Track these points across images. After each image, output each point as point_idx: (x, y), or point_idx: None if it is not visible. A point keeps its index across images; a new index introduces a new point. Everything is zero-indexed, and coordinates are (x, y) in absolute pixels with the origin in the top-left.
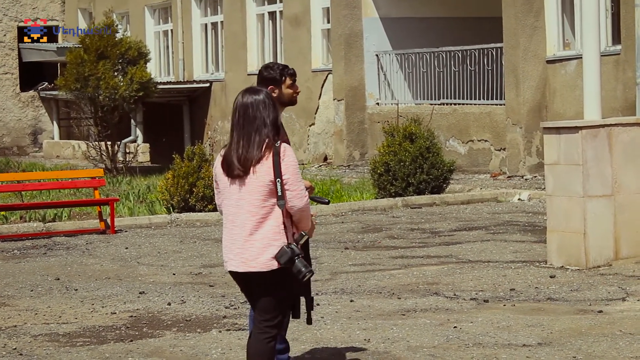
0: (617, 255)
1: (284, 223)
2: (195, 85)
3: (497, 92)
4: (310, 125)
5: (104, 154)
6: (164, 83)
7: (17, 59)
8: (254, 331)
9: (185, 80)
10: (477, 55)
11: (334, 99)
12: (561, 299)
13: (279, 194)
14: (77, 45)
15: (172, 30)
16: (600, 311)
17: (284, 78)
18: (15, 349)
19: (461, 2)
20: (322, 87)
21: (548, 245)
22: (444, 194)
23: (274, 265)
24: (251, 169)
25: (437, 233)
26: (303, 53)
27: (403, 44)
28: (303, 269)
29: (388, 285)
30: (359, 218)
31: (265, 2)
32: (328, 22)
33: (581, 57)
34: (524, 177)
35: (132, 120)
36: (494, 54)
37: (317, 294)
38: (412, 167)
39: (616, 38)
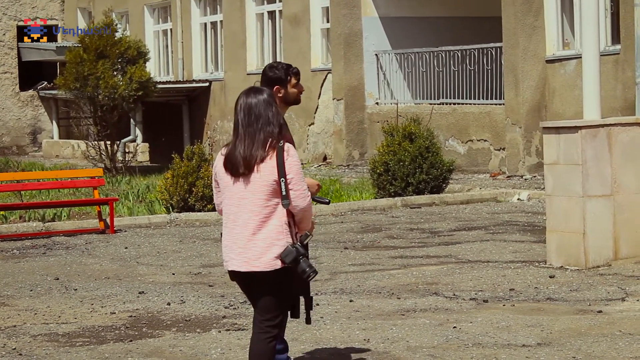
0: (617, 255)
1: (286, 223)
2: (194, 84)
3: (496, 92)
4: (309, 125)
5: (103, 153)
6: (163, 82)
7: (17, 59)
8: (254, 331)
9: (184, 79)
10: (476, 54)
11: (333, 99)
12: (561, 299)
13: (284, 193)
14: (76, 45)
15: (171, 29)
16: (600, 311)
17: (289, 78)
18: (14, 348)
19: (461, 1)
20: (321, 87)
21: (547, 245)
22: (444, 194)
23: (277, 264)
24: (255, 168)
25: (436, 233)
26: (302, 52)
27: (402, 44)
28: (307, 269)
29: (387, 285)
30: (359, 218)
31: (265, 2)
32: (327, 21)
33: (580, 57)
34: (524, 177)
35: (132, 120)
36: (494, 53)
37: (316, 294)
38: (411, 166)
39: (615, 38)
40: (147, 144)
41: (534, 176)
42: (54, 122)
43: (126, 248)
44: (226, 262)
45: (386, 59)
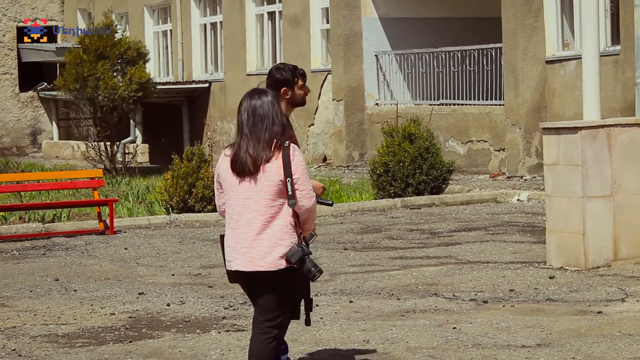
0: (617, 256)
1: (291, 223)
2: (194, 85)
3: (496, 93)
4: (309, 126)
5: (103, 154)
6: (163, 83)
7: (16, 59)
8: (254, 331)
9: (184, 80)
10: (476, 55)
11: (333, 100)
12: (560, 300)
13: (290, 193)
14: (76, 46)
15: (171, 30)
16: (600, 312)
17: (296, 79)
18: (14, 349)
19: (460, 2)
20: (321, 88)
21: (547, 246)
22: (443, 195)
23: (282, 264)
24: (261, 168)
25: (436, 234)
26: (302, 53)
27: (402, 44)
28: (313, 269)
29: (387, 286)
30: (358, 219)
31: (265, 2)
32: (327, 22)
33: (580, 58)
34: (523, 178)
35: (132, 121)
36: (493, 54)
37: (316, 294)
38: (411, 167)
39: (615, 38)
40: (147, 145)
41: (534, 177)
42: (53, 123)
43: (126, 249)
44: (229, 262)
45: (386, 59)
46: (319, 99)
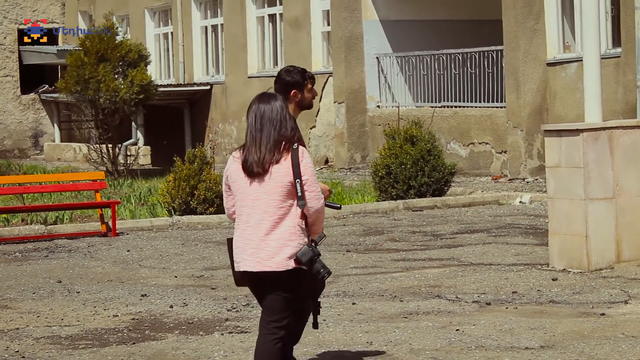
0: (619, 258)
1: (299, 224)
2: (195, 87)
3: (497, 95)
4: (311, 128)
5: (105, 156)
6: (164, 86)
7: (18, 62)
8: (261, 332)
9: (185, 82)
10: (477, 57)
11: (334, 102)
12: (563, 302)
13: (299, 194)
14: (77, 48)
15: (172, 32)
16: (603, 314)
17: (305, 82)
18: (17, 351)
19: (461, 4)
20: (322, 90)
21: (550, 248)
22: (445, 197)
23: (290, 265)
24: (270, 169)
25: (438, 236)
26: (303, 56)
27: (403, 47)
28: (322, 270)
29: (390, 288)
30: (361, 221)
31: (266, 5)
32: (328, 24)
33: (581, 60)
34: (525, 180)
35: (133, 123)
36: (495, 56)
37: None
38: (413, 169)
39: (616, 41)
40: (148, 147)
41: (536, 179)
42: (55, 125)
43: (128, 251)
44: (237, 263)
45: (387, 62)
46: (320, 101)
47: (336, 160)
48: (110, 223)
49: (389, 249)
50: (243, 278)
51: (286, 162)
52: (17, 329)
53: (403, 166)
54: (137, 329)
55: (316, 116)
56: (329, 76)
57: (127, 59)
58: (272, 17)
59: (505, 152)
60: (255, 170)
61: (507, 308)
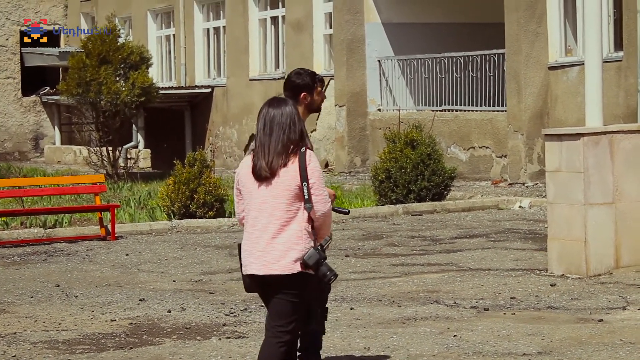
0: (618, 263)
1: (306, 228)
2: (197, 90)
3: (498, 99)
4: (311, 131)
5: (105, 159)
6: (165, 88)
7: (19, 64)
8: (266, 335)
9: (187, 85)
10: (479, 61)
11: (335, 105)
12: (562, 308)
13: (306, 197)
14: (79, 50)
15: (174, 35)
16: (601, 320)
17: (315, 84)
18: (14, 356)
19: (463, 7)
20: None
21: (549, 253)
22: (445, 201)
23: (295, 268)
24: (278, 172)
25: (437, 240)
26: (305, 58)
27: (405, 50)
28: (328, 272)
29: (388, 293)
30: (360, 225)
31: (268, 7)
32: (330, 27)
33: (583, 64)
34: (525, 185)
35: (134, 126)
36: (496, 60)
37: None
38: (413, 174)
39: (618, 44)
40: (149, 150)
41: (536, 184)
42: (56, 127)
43: (127, 255)
44: (245, 266)
45: (389, 65)
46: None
47: (336, 164)
48: (109, 227)
49: (388, 254)
50: (252, 283)
51: (294, 165)
52: (15, 333)
53: (403, 170)
54: (134, 333)
55: (317, 119)
56: (331, 79)
57: (128, 61)
58: (274, 19)
59: (505, 156)
60: (263, 175)
61: (505, 314)
